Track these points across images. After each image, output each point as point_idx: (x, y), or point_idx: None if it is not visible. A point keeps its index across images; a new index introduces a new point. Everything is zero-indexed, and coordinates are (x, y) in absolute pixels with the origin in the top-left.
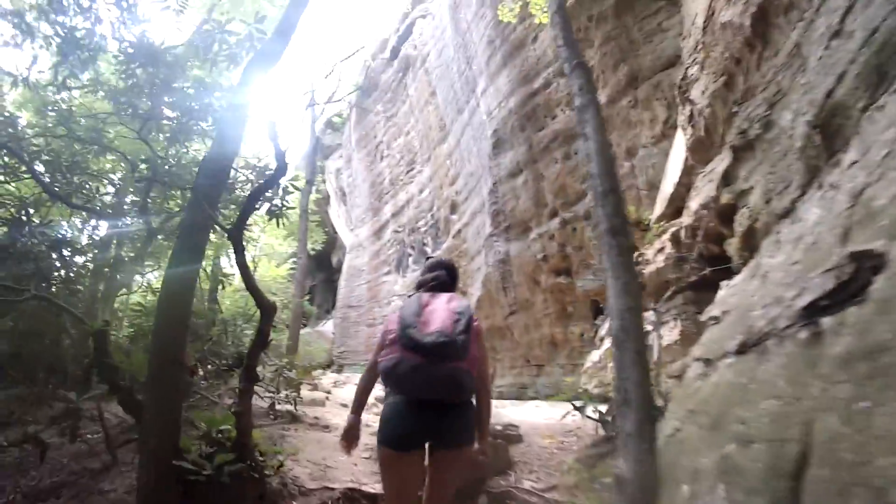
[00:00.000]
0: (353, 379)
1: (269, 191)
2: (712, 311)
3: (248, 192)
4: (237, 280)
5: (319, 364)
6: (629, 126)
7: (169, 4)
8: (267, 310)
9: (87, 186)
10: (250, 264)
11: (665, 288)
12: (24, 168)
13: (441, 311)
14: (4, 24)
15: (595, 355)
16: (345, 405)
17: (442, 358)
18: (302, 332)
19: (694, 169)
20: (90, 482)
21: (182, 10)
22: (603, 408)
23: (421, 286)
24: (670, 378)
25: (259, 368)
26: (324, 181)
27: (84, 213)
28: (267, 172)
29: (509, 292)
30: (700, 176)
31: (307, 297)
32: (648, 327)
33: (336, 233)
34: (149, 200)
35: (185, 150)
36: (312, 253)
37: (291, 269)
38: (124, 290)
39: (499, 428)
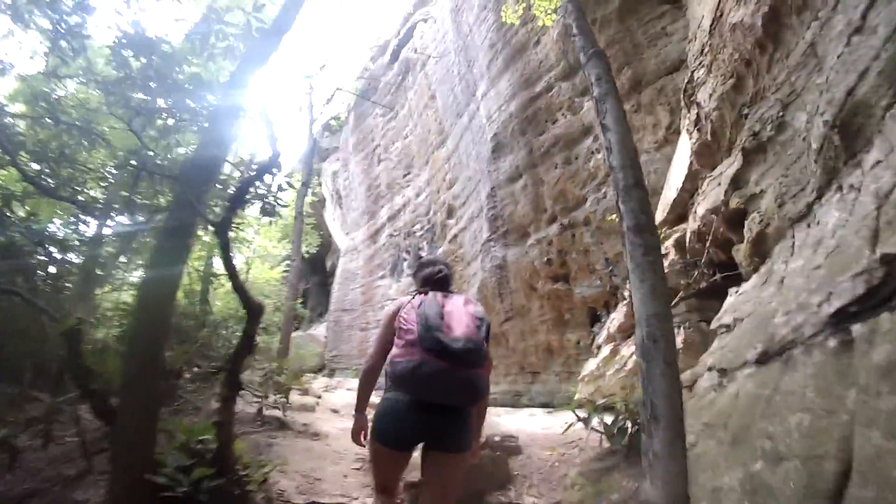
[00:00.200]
0: (345, 384)
1: (262, 182)
2: (723, 318)
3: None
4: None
5: (311, 368)
6: (632, 131)
7: None
8: (253, 311)
9: (76, 179)
10: (244, 265)
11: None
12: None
13: (461, 314)
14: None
15: (592, 363)
16: (335, 411)
17: (467, 364)
18: (294, 335)
19: (699, 174)
20: (63, 491)
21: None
22: (608, 419)
23: (427, 281)
24: None
25: (247, 372)
26: (320, 184)
27: (72, 206)
28: (254, 165)
29: (505, 298)
30: (707, 180)
31: (300, 301)
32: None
33: (331, 236)
34: (137, 196)
35: (175, 142)
36: (307, 256)
37: (285, 271)
38: (108, 287)
39: (497, 439)
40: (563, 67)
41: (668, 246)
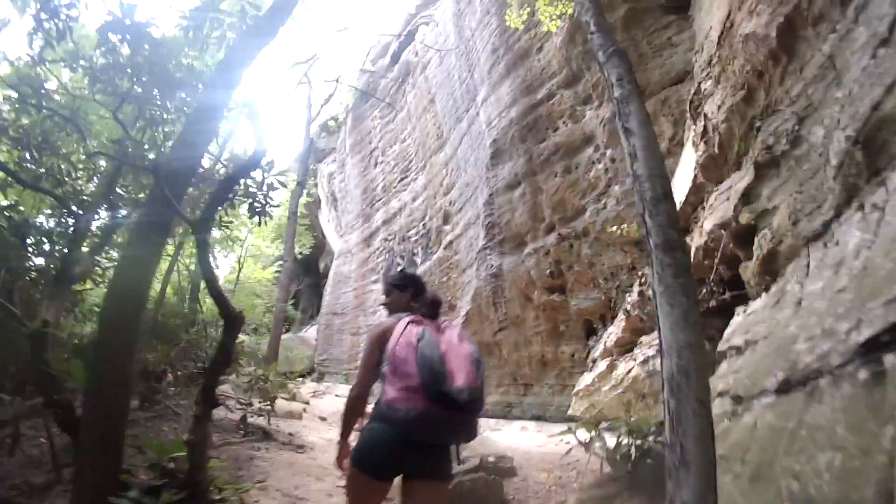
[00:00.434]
0: (334, 389)
1: (252, 181)
2: (732, 339)
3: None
4: (221, 279)
5: (299, 371)
6: None
7: None
8: (232, 320)
9: (58, 169)
10: (236, 264)
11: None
12: None
13: (460, 356)
14: None
15: (587, 378)
16: (323, 418)
17: (471, 413)
18: (284, 336)
19: (704, 187)
20: (28, 501)
21: None
22: (609, 440)
23: (424, 303)
24: None
25: (232, 377)
26: (315, 185)
27: (53, 199)
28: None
29: (500, 308)
30: (714, 194)
31: (291, 302)
32: (649, 352)
33: (325, 238)
34: (121, 189)
35: (163, 135)
36: (300, 257)
37: (277, 272)
38: (89, 283)
39: (491, 460)
40: (565, 75)
41: None
